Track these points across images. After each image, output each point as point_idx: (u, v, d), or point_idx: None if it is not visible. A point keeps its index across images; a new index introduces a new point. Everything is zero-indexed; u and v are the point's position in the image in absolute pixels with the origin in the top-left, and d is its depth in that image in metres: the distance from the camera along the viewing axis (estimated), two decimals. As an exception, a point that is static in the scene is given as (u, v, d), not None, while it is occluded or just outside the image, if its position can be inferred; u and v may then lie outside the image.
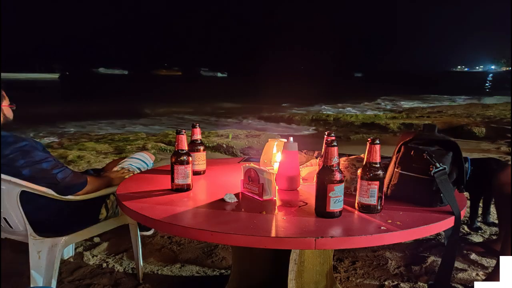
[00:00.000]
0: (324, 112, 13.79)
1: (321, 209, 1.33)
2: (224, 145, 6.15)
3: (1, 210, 1.76)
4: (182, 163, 1.60)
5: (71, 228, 1.89)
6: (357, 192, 1.39)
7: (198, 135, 1.93)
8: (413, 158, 1.49)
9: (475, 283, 1.60)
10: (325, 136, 1.70)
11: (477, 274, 2.22)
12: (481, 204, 2.79)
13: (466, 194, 2.42)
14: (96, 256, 2.48)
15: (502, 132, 7.94)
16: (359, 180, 1.38)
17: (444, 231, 1.95)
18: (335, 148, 1.32)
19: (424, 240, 2.64)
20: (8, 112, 1.92)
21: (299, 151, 1.73)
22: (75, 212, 1.95)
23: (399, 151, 1.55)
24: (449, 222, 1.37)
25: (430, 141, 1.53)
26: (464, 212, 1.47)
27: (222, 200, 1.51)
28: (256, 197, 1.53)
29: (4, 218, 1.80)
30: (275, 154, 1.90)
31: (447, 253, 1.65)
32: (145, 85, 44.94)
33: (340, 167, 1.34)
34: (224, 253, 2.48)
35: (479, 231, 2.76)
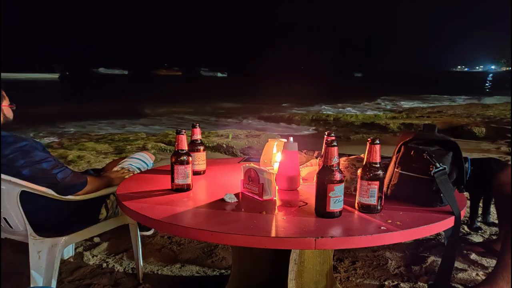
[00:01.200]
0: (324, 112, 13.79)
1: (321, 209, 1.33)
2: (224, 145, 6.15)
3: (1, 210, 1.76)
4: (182, 163, 1.60)
5: (71, 228, 1.89)
6: (357, 192, 1.39)
7: (198, 135, 1.93)
8: (413, 158, 1.49)
9: None
10: (325, 136, 1.70)
11: (477, 274, 2.22)
12: (481, 204, 2.79)
13: (466, 194, 2.42)
14: (96, 256, 2.48)
15: (502, 132, 7.94)
16: (359, 180, 1.38)
17: (444, 231, 1.95)
18: (335, 148, 1.32)
19: (424, 240, 2.64)
20: (8, 112, 1.92)
21: (299, 151, 1.73)
22: (75, 212, 1.95)
23: (399, 151, 1.55)
24: (449, 222, 1.37)
25: (430, 141, 1.53)
26: (464, 212, 1.47)
27: (222, 200, 1.51)
28: (256, 197, 1.53)
29: (4, 218, 1.80)
30: (275, 154, 1.90)
31: (447, 253, 1.65)
32: (145, 85, 44.95)
33: (340, 167, 1.34)
34: (224, 253, 2.48)
35: (479, 231, 2.76)
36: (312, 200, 1.39)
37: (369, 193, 1.35)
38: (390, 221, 1.30)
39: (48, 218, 1.88)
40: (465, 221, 2.83)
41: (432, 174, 1.42)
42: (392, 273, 2.27)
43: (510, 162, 4.62)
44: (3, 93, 1.89)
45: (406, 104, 19.32)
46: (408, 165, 1.50)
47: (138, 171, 2.29)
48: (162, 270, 2.31)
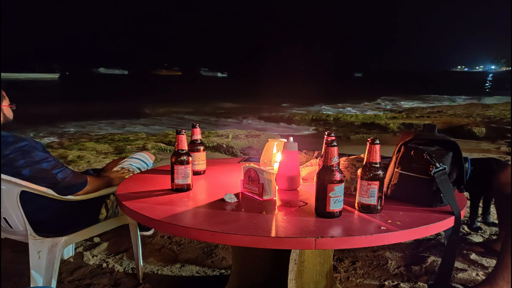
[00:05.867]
0: (324, 112, 13.80)
1: (321, 209, 1.33)
2: (224, 145, 6.15)
3: (1, 210, 1.76)
4: (182, 163, 1.60)
5: (71, 228, 1.89)
6: (357, 192, 1.39)
7: (198, 135, 1.93)
8: (413, 158, 1.49)
9: None
10: (325, 136, 1.70)
11: (477, 274, 2.22)
12: (481, 204, 2.79)
13: (466, 194, 2.41)
14: (96, 256, 2.48)
15: (502, 132, 7.95)
16: (359, 180, 1.38)
17: (444, 231, 1.95)
18: (335, 148, 1.32)
19: (424, 240, 2.64)
20: (8, 112, 1.92)
21: (299, 151, 1.73)
22: (75, 212, 1.95)
23: (399, 151, 1.55)
24: (449, 222, 1.37)
25: (430, 141, 1.53)
26: (464, 212, 1.47)
27: (222, 200, 1.51)
28: (256, 197, 1.53)
29: (4, 218, 1.80)
30: (275, 154, 1.90)
31: (447, 253, 1.65)
32: (145, 85, 44.91)
33: (340, 167, 1.34)
34: (224, 253, 2.48)
35: (479, 231, 2.76)
36: (312, 200, 1.39)
37: (369, 193, 1.35)
38: (390, 221, 1.30)
39: (48, 218, 1.88)
40: (465, 221, 2.83)
41: (432, 174, 1.42)
42: (392, 273, 2.27)
43: (510, 162, 4.62)
44: (3, 93, 1.89)
45: (406, 104, 19.31)
46: (408, 165, 1.50)
47: (138, 171, 2.29)
48: (162, 270, 2.31)
